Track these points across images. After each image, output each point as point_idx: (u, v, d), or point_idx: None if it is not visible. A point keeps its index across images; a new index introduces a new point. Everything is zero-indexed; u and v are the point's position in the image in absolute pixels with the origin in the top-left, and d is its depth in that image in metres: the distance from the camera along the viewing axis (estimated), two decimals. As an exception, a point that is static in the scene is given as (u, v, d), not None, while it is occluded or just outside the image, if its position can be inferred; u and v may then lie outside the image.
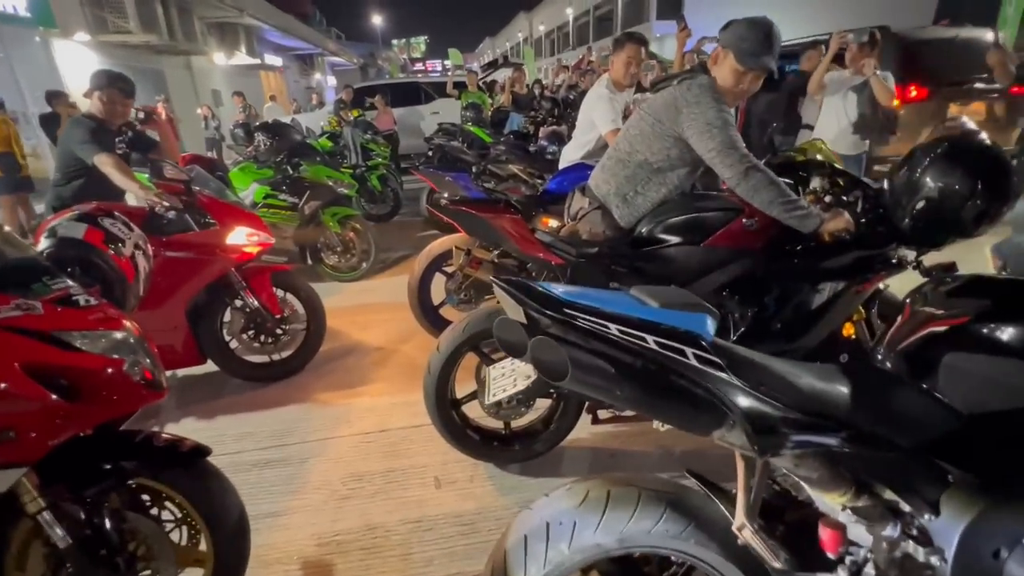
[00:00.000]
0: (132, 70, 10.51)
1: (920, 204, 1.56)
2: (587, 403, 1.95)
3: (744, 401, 0.85)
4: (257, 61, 14.73)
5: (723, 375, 0.85)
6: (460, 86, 8.48)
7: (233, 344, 2.69)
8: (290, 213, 3.96)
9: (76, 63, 8.73)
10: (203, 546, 1.40)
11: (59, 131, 5.86)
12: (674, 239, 1.85)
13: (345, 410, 2.48)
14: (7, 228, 1.46)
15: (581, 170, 2.89)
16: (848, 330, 1.94)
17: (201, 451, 1.35)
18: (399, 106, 9.27)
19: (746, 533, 0.88)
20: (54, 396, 1.12)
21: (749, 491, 0.90)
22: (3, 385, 1.06)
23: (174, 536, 1.38)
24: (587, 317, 0.90)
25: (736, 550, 0.97)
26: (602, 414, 1.98)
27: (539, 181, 4.75)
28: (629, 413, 1.86)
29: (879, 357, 1.06)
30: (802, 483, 0.94)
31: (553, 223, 2.94)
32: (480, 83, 8.77)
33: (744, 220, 1.79)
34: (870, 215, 1.74)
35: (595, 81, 3.30)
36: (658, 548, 0.99)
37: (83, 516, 1.24)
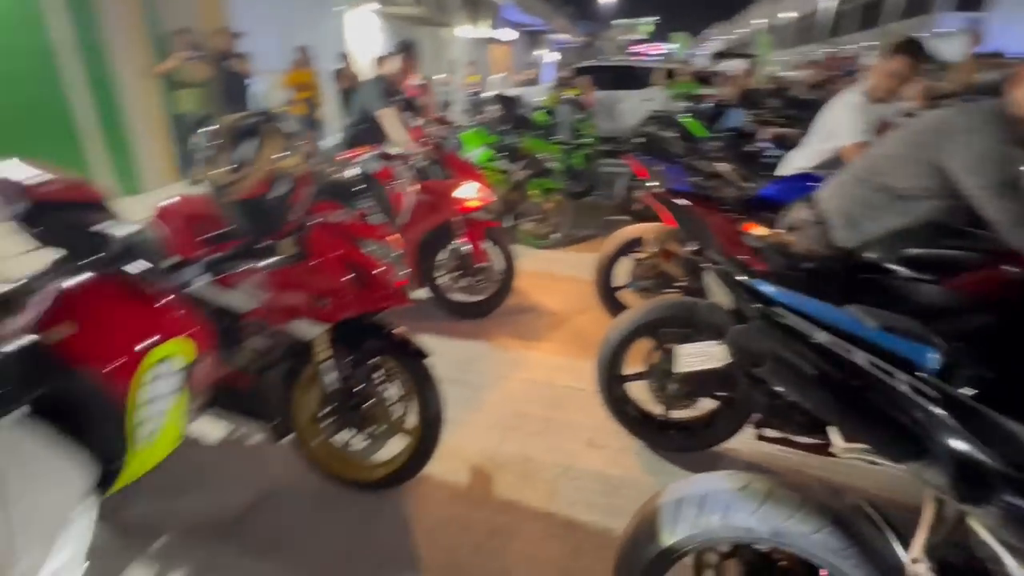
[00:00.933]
0: (396, 37, 12.42)
1: None
2: (756, 416, 1.92)
3: (956, 443, 0.83)
4: (493, 34, 16.10)
5: (938, 411, 0.84)
6: (672, 74, 8.22)
7: (441, 280, 3.21)
8: (503, 176, 4.43)
9: (358, 29, 10.66)
10: (409, 424, 1.80)
11: (341, 86, 7.39)
12: (907, 272, 1.68)
13: (519, 357, 2.81)
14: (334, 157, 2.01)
15: (805, 181, 2.69)
16: None
17: (422, 353, 1.73)
18: (618, 88, 9.33)
19: (920, 568, 0.87)
20: (351, 282, 1.56)
21: (932, 530, 0.88)
22: (330, 266, 1.52)
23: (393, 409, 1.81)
24: (795, 318, 0.95)
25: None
26: (769, 432, 1.92)
27: (748, 184, 4.48)
28: (802, 439, 1.79)
29: None
30: (997, 544, 0.88)
31: (759, 231, 2.81)
32: (697, 73, 8.37)
33: (1006, 268, 1.54)
34: None
35: (844, 84, 2.98)
36: (812, 555, 1.01)
37: (347, 372, 1.71)
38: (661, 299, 2.01)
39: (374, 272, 1.59)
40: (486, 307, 3.21)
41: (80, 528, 0.72)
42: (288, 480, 1.89)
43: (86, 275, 1.08)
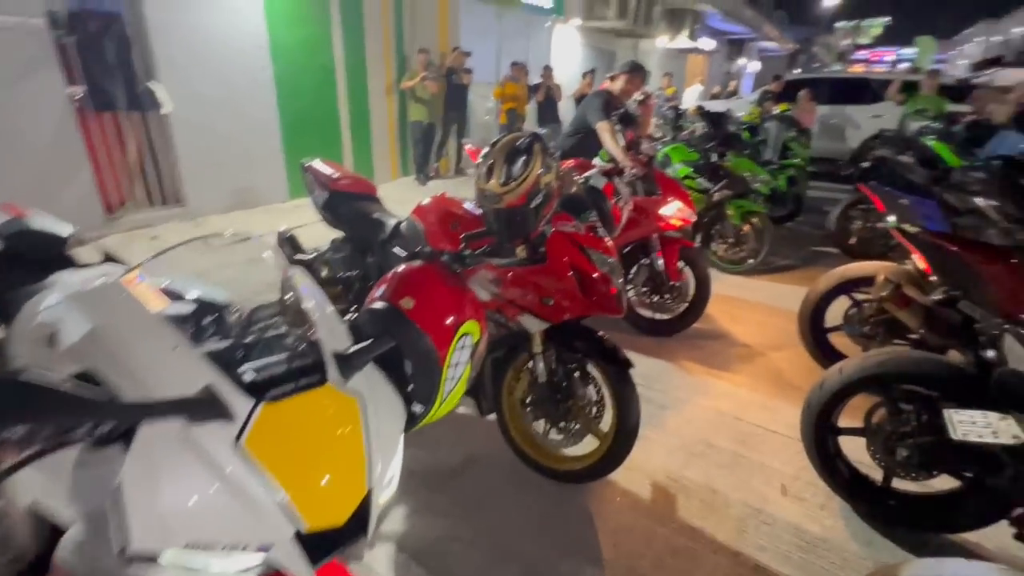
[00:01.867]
0: (595, 50, 12.72)
1: None
2: (1017, 510, 1.58)
3: None
4: (693, 44, 15.47)
5: None
6: (911, 87, 6.97)
7: (630, 294, 3.25)
8: (700, 196, 4.28)
9: (563, 43, 11.18)
10: (604, 427, 1.89)
11: (538, 98, 7.88)
12: None
13: (704, 383, 2.72)
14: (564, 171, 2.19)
15: None
16: None
17: (629, 363, 1.80)
18: (837, 103, 8.32)
19: None
20: (577, 287, 1.70)
21: None
22: (560, 271, 1.69)
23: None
24: None
25: None
26: (1035, 535, 1.58)
27: (1018, 227, 3.63)
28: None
29: None
30: None
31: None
32: (946, 86, 6.96)
33: None
34: None
35: None
36: None
37: (556, 367, 1.86)
38: (901, 351, 1.78)
39: (597, 280, 1.71)
40: (673, 327, 3.17)
41: (400, 454, 0.94)
42: (489, 451, 2.13)
43: (416, 262, 1.38)
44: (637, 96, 3.47)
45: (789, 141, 6.00)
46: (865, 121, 8.32)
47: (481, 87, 8.06)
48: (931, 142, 5.25)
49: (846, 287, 2.75)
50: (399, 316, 1.14)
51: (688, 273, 3.14)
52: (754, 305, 3.71)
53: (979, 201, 4.00)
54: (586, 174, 2.30)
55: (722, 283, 4.07)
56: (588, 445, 1.94)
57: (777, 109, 7.21)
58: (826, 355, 2.84)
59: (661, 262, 3.06)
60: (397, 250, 2.18)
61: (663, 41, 14.49)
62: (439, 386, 1.16)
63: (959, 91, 7.58)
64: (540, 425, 1.97)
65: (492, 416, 2.04)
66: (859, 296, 2.75)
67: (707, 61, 19.83)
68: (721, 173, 4.27)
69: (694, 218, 3.00)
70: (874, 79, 8.81)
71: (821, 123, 8.35)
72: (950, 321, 2.30)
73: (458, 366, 1.21)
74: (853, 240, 4.86)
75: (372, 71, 6.75)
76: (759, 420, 2.43)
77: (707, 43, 18.05)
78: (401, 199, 4.94)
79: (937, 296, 2.29)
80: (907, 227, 2.08)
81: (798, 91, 7.95)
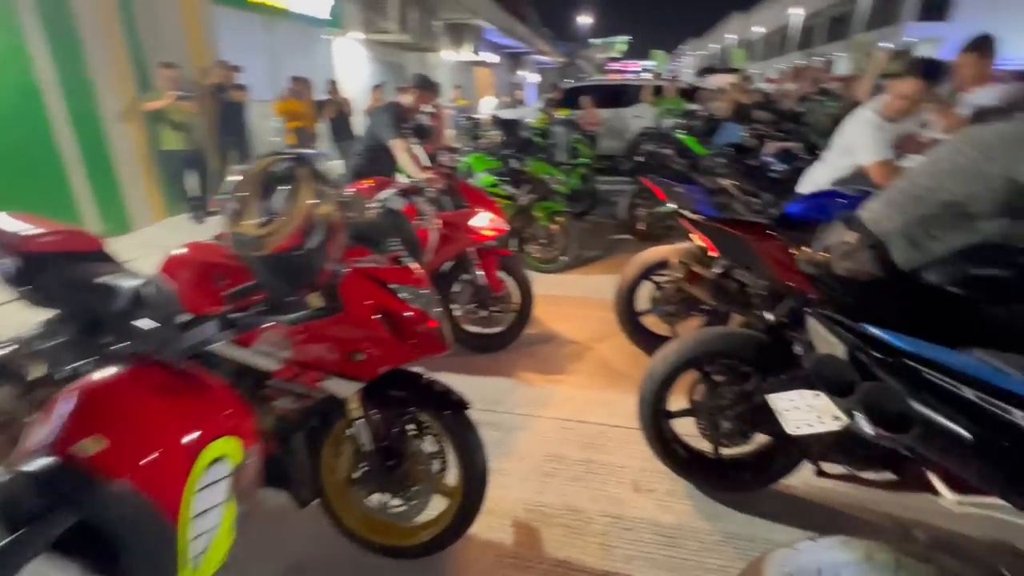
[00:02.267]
0: (382, 63, 12.43)
1: None
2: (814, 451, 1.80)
3: None
4: (478, 57, 16.23)
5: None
6: (659, 91, 8.30)
7: (456, 312, 3.07)
8: (508, 203, 4.34)
9: (347, 57, 10.65)
10: (450, 481, 1.65)
11: (328, 115, 7.33)
12: (979, 295, 1.59)
13: (545, 393, 2.67)
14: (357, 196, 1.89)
15: (833, 198, 2.63)
16: None
17: (464, 404, 1.59)
18: (606, 107, 9.40)
19: None
20: (388, 332, 1.42)
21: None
22: (364, 317, 1.39)
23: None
24: (934, 373, 0.84)
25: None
26: (829, 468, 1.81)
27: (752, 199, 4.45)
28: (866, 475, 1.67)
29: None
30: None
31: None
32: (682, 89, 8.45)
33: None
34: None
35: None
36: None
37: (381, 429, 1.56)
38: (710, 331, 1.90)
39: (411, 319, 1.46)
40: (505, 339, 3.08)
41: None
42: (321, 551, 1.72)
43: (109, 369, 0.92)
44: (427, 108, 3.31)
45: (575, 143, 6.53)
46: (631, 121, 9.59)
47: (261, 106, 7.16)
48: (682, 136, 6.22)
49: (647, 273, 2.98)
50: (78, 477, 0.69)
51: (510, 282, 3.08)
52: (574, 300, 3.86)
53: (723, 182, 4.79)
54: (379, 196, 2.03)
55: (542, 283, 4.17)
56: (438, 506, 1.67)
57: (560, 115, 7.82)
58: (643, 338, 3.04)
59: (482, 275, 2.94)
60: (144, 323, 1.62)
61: (449, 55, 14.88)
62: (179, 556, 0.77)
63: (691, 92, 9.24)
64: (376, 500, 1.64)
65: (315, 504, 1.65)
66: (659, 279, 3.00)
67: (493, 74, 21.06)
68: (523, 178, 4.39)
69: (507, 227, 2.95)
70: (631, 84, 10.20)
71: (605, 125, 9.39)
72: (730, 290, 2.62)
73: (210, 513, 0.83)
74: (642, 226, 5.47)
75: (104, 90, 5.41)
76: (600, 418, 2.45)
77: (491, 57, 19.17)
78: (172, 244, 4.02)
79: (717, 270, 2.59)
80: (686, 212, 2.28)
81: (576, 97, 8.81)
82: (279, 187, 1.15)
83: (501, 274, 3.04)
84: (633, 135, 8.00)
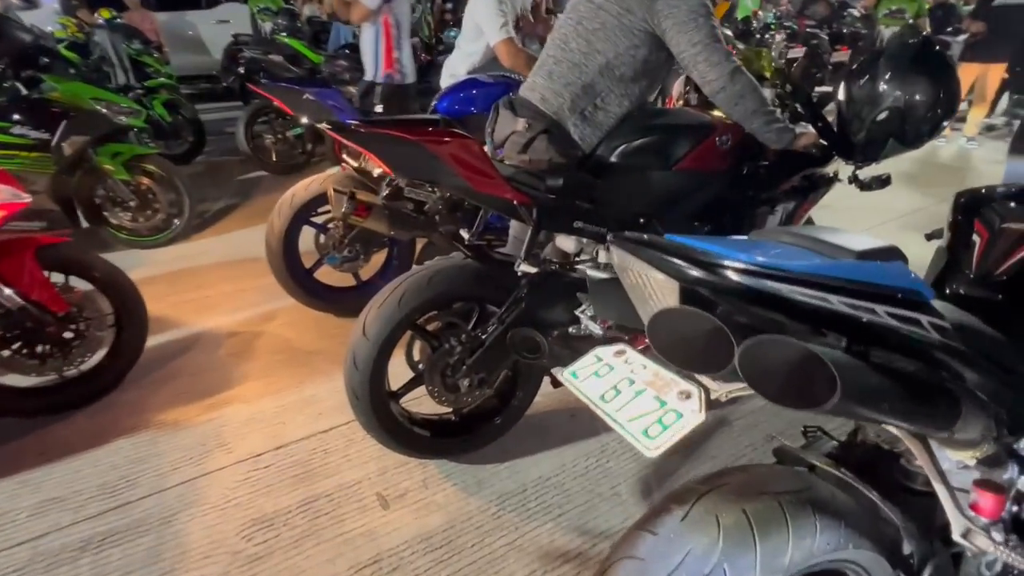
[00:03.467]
0: None
1: (882, 115, 1.50)
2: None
3: (984, 382, 0.63)
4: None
5: (958, 346, 0.61)
6: None
7: (-15, 366, 1.71)
8: (38, 155, 2.67)
9: None
10: None
11: None
12: (640, 163, 1.57)
13: (212, 430, 1.79)
14: None
15: (476, 87, 2.40)
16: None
17: None
18: (176, 9, 7.10)
19: (979, 541, 0.68)
20: None
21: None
22: None
23: None
24: (803, 290, 0.56)
25: (886, 543, 0.79)
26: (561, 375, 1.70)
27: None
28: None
29: (967, 286, 0.94)
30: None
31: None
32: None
33: (717, 138, 1.58)
34: (821, 127, 1.67)
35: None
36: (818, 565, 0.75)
37: None
38: (411, 279, 1.42)
39: None
40: (107, 376, 1.92)
41: None
42: None
43: None
44: None
45: (139, 56, 4.66)
46: (214, 28, 7.58)
47: None
48: (288, 40, 5.16)
49: (303, 216, 2.25)
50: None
51: (80, 284, 1.87)
52: (215, 273, 2.81)
53: (352, 89, 4.20)
54: None
55: (151, 265, 2.89)
56: None
57: (100, 17, 5.41)
58: (321, 296, 2.39)
59: (13, 295, 1.65)
60: None
61: None
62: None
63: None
64: None
65: None
66: (319, 220, 2.32)
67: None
68: (55, 111, 2.74)
69: (24, 199, 1.66)
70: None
71: (173, 34, 7.04)
72: (405, 211, 2.19)
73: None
74: (274, 157, 4.45)
75: None
76: (305, 429, 1.79)
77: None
78: None
79: (385, 192, 2.09)
80: (331, 126, 1.64)
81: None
82: None
83: (55, 277, 1.79)
84: (223, 46, 6.27)
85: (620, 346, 0.75)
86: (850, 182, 1.75)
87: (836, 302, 0.55)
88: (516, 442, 1.70)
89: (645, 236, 0.58)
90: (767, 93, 1.72)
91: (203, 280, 2.76)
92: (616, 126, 1.55)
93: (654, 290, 0.58)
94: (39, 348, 1.78)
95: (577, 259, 1.63)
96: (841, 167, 1.75)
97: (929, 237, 1.18)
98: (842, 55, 7.61)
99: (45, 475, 1.61)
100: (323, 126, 1.50)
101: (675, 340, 0.54)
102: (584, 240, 1.48)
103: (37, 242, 1.75)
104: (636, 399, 0.67)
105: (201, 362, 2.13)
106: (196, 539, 1.41)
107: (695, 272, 0.53)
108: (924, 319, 0.58)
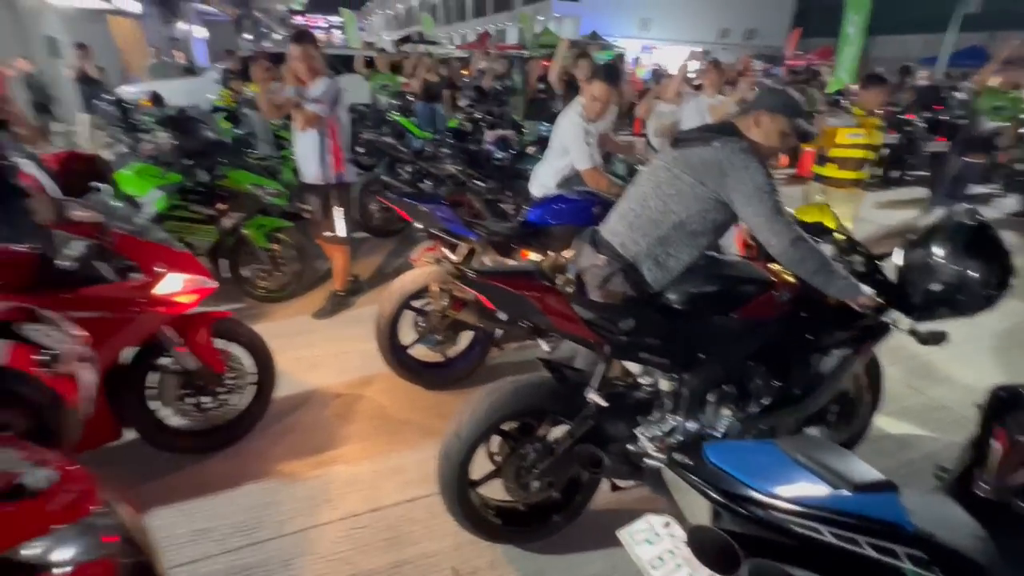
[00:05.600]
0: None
1: (937, 287, 1.65)
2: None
3: None
4: (109, 4, 12.22)
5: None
6: (371, 63, 7.76)
7: (161, 412, 2.20)
8: (206, 227, 3.34)
9: None
10: None
11: None
12: (703, 308, 1.81)
13: (321, 485, 2.15)
14: None
15: (563, 202, 2.75)
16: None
17: None
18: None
19: None
20: None
21: None
22: None
23: None
24: (801, 520, 0.78)
25: None
26: (621, 481, 1.91)
27: (479, 184, 4.52)
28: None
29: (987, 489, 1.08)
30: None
31: (533, 256, 2.79)
32: (393, 62, 8.06)
33: (775, 292, 1.79)
34: (878, 282, 1.82)
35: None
36: None
37: None
38: (499, 390, 1.72)
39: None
40: (243, 424, 2.37)
41: None
42: None
43: None
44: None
45: (279, 130, 5.53)
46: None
47: None
48: (396, 117, 5.88)
49: (406, 303, 2.66)
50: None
51: (235, 348, 2.34)
52: (322, 332, 3.29)
53: (450, 167, 4.74)
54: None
55: (272, 320, 3.43)
56: None
57: (249, 91, 6.48)
58: (414, 371, 2.77)
59: (190, 356, 2.14)
60: None
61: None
62: None
63: (398, 65, 8.78)
64: None
65: None
66: (419, 305, 2.72)
67: (139, 26, 16.41)
68: (220, 193, 3.42)
69: (214, 284, 2.17)
70: (332, 53, 9.14)
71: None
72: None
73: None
74: (377, 221, 5.05)
75: None
76: (396, 495, 2.11)
77: (131, 3, 14.78)
78: None
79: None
80: (459, 271, 2.03)
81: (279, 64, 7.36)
82: None
83: (220, 343, 2.27)
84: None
85: (667, 518, 0.99)
86: (908, 333, 1.87)
87: (827, 533, 0.77)
88: (576, 537, 1.91)
89: (691, 462, 0.83)
90: (828, 249, 1.91)
91: (313, 339, 3.24)
92: (684, 272, 1.81)
93: (693, 500, 0.83)
94: (203, 402, 2.25)
95: (639, 379, 1.88)
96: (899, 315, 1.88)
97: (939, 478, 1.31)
98: (939, 145, 7.40)
99: (196, 508, 2.02)
100: (450, 273, 1.86)
101: (704, 546, 0.78)
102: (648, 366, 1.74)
103: (213, 318, 2.24)
104: (676, 571, 0.90)
105: (311, 420, 2.54)
106: (306, 584, 1.74)
107: (721, 499, 0.78)
108: (900, 550, 0.78)
